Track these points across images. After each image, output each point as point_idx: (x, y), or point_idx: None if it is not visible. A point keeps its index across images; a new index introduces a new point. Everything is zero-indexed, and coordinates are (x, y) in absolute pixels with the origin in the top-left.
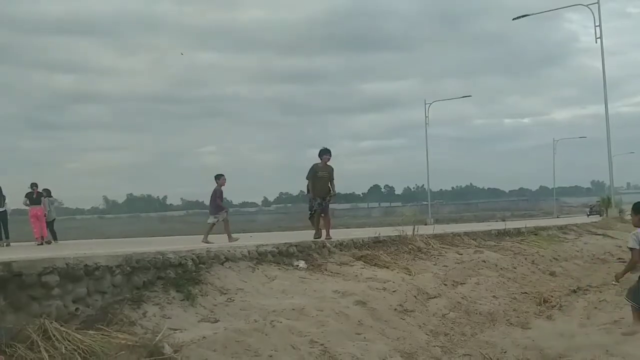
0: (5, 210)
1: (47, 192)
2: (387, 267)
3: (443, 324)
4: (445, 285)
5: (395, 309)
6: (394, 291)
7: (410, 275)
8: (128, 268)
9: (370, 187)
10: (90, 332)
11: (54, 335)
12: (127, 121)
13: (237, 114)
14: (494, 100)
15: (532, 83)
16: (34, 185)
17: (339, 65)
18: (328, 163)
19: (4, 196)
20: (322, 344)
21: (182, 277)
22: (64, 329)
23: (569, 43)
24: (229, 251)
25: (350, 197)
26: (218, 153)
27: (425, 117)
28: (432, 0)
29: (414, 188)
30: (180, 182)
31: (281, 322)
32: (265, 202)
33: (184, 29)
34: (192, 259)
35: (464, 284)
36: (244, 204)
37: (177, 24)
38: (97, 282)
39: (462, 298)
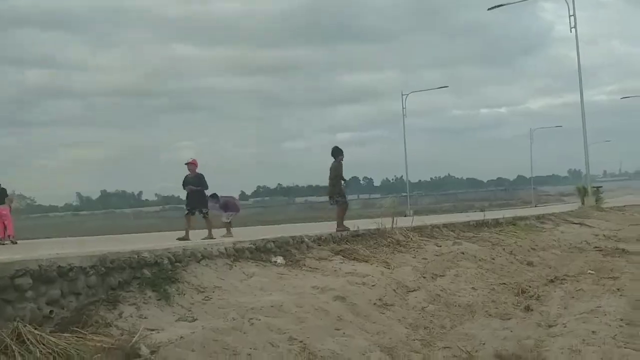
0: None
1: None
2: (366, 262)
3: (422, 317)
4: (425, 278)
5: (375, 304)
6: (373, 285)
7: (389, 269)
8: (103, 268)
9: (349, 179)
10: (65, 334)
11: (28, 339)
12: (100, 116)
13: (213, 108)
14: (471, 90)
15: (508, 73)
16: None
17: (316, 57)
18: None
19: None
20: (301, 341)
21: (158, 276)
22: (38, 332)
23: (545, 33)
24: (205, 249)
25: (326, 190)
26: (194, 147)
27: (403, 108)
28: None
29: (392, 179)
30: (155, 178)
31: (260, 320)
32: (243, 195)
33: (158, 21)
34: (168, 258)
35: (443, 276)
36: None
37: (151, 16)
38: (71, 284)
39: (442, 290)
